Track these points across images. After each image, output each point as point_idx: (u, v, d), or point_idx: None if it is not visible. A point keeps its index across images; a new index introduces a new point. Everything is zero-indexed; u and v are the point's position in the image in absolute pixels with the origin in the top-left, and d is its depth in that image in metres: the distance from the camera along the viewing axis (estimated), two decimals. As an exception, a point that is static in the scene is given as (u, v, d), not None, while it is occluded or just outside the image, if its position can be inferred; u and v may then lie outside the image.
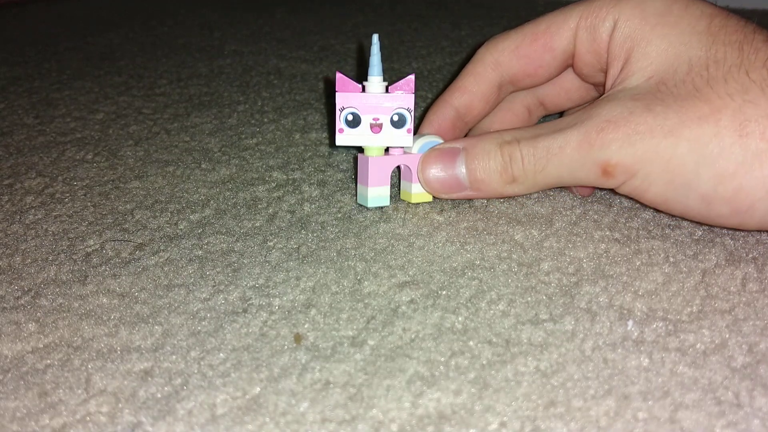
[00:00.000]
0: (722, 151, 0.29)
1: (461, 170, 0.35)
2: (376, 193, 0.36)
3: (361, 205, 0.38)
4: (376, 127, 0.34)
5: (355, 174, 0.37)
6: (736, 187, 0.29)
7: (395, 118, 0.35)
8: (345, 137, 0.35)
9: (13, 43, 0.79)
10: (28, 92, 0.61)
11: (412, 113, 0.35)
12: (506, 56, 0.37)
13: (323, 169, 0.44)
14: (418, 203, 0.37)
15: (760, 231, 0.34)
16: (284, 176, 0.43)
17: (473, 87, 0.38)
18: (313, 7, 0.99)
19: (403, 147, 0.36)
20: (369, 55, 0.35)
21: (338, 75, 0.34)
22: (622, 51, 0.33)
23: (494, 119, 0.41)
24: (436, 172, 0.35)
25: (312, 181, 0.42)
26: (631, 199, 0.36)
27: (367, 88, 0.35)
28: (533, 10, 0.91)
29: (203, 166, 0.45)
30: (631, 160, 0.31)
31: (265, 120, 0.53)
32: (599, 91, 0.39)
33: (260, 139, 0.49)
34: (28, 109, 0.57)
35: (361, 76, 0.57)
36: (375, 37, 0.34)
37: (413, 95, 0.35)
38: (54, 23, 0.91)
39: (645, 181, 0.31)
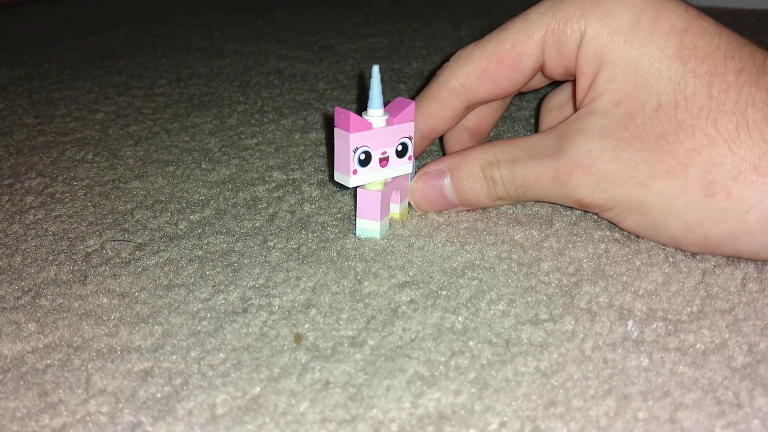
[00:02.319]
0: (689, 205, 0.30)
1: (450, 191, 0.36)
2: (384, 224, 0.36)
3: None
4: (384, 161, 0.34)
5: (355, 209, 0.36)
6: (703, 234, 0.31)
7: (399, 148, 0.34)
8: (359, 177, 0.34)
9: (13, 43, 0.79)
10: (28, 92, 0.61)
11: (413, 139, 0.35)
12: (472, 81, 0.36)
13: (323, 169, 0.44)
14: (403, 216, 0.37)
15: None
16: (284, 176, 0.43)
17: (439, 112, 0.38)
18: (313, 7, 0.99)
19: (402, 174, 0.36)
20: (369, 87, 0.34)
21: (351, 115, 0.33)
22: (590, 69, 0.33)
23: None
24: (426, 194, 0.36)
25: (312, 181, 0.42)
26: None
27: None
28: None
29: (203, 166, 0.45)
30: (603, 202, 0.32)
31: (265, 120, 0.53)
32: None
33: (260, 139, 0.49)
34: (28, 109, 0.57)
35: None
36: (375, 69, 0.33)
37: (413, 122, 0.35)
38: (54, 23, 0.91)
39: (620, 215, 0.32)
